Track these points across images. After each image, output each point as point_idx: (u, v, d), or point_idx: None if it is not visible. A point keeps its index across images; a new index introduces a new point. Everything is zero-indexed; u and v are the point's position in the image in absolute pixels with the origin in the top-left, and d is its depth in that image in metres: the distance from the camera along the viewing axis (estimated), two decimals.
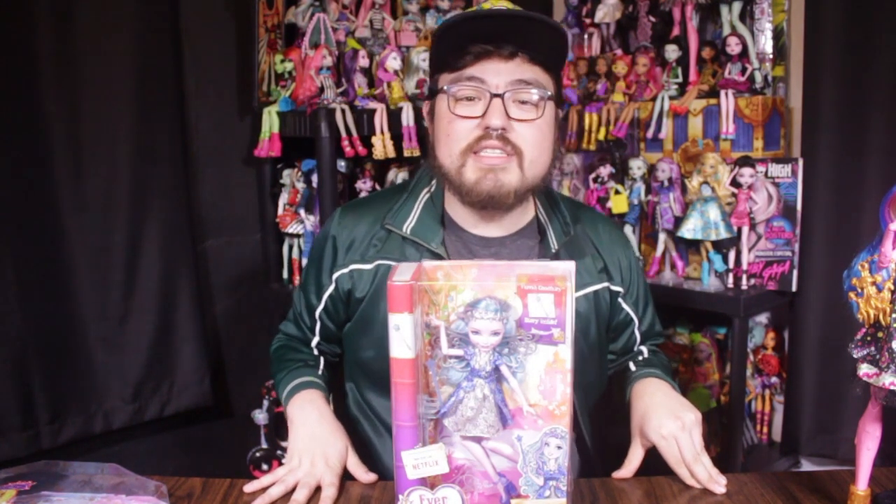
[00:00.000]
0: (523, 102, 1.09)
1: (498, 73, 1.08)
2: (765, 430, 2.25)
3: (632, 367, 1.29)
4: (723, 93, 2.03)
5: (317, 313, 1.26)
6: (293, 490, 1.03)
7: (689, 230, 2.02)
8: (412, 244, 1.18)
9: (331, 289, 1.23)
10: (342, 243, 1.22)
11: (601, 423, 1.30)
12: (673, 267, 2.15)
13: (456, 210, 1.20)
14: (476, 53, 1.08)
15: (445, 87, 1.11)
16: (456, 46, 1.10)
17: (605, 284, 1.25)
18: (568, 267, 0.85)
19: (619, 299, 1.27)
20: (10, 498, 0.94)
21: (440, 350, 0.85)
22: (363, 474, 1.11)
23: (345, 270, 1.21)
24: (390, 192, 1.28)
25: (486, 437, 0.87)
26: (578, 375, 1.20)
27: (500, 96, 1.07)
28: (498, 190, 1.10)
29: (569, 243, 1.21)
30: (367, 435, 1.25)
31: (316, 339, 1.30)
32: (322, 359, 1.30)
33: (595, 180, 2.24)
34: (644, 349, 1.33)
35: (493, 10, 1.08)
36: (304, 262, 2.12)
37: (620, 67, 2.25)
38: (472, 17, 1.08)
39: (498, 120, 1.07)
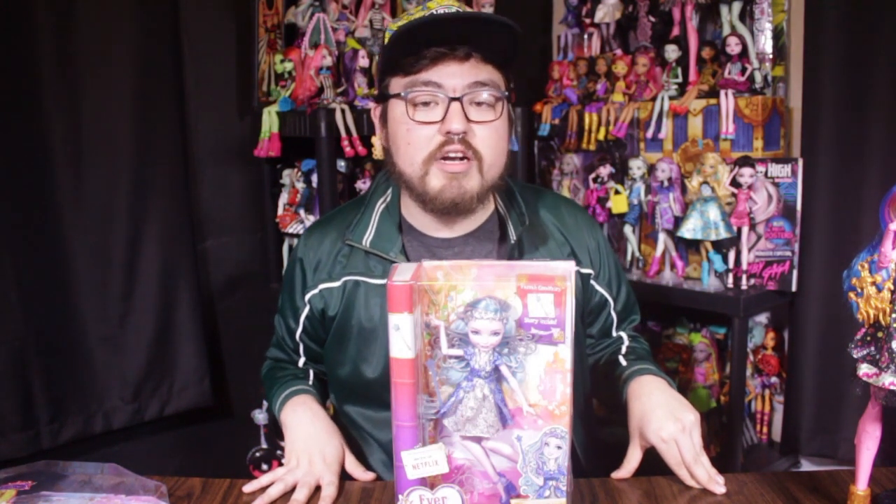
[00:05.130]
0: (479, 104, 1.08)
1: (454, 75, 1.06)
2: (765, 430, 2.25)
3: (622, 361, 1.27)
4: (723, 93, 2.03)
5: (297, 336, 1.27)
6: (293, 490, 1.04)
7: (688, 230, 2.02)
8: (374, 256, 1.18)
9: (306, 310, 1.23)
10: (309, 264, 1.23)
11: (589, 420, 1.30)
12: (673, 267, 2.15)
13: (414, 216, 1.20)
14: (431, 57, 1.06)
15: (402, 93, 1.09)
16: (410, 50, 1.08)
17: (575, 269, 1.23)
18: (568, 267, 0.85)
19: (592, 281, 1.27)
20: (10, 498, 0.95)
21: (440, 350, 0.85)
22: (361, 473, 1.11)
23: (315, 291, 1.21)
24: (350, 207, 1.28)
25: (486, 437, 0.87)
26: None
27: (459, 100, 1.06)
28: (462, 197, 1.10)
29: (528, 231, 1.21)
30: (354, 441, 1.25)
31: (302, 360, 1.31)
32: (311, 371, 1.31)
33: (595, 180, 2.24)
34: (624, 336, 1.33)
35: (449, 14, 1.05)
36: None
37: (620, 67, 2.25)
38: (428, 22, 1.05)
39: (458, 124, 1.06)
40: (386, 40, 1.11)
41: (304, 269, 1.23)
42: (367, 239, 1.18)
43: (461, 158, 1.08)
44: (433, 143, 1.08)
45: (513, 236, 1.19)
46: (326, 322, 1.22)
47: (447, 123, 1.06)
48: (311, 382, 1.27)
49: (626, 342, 1.32)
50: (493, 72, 1.09)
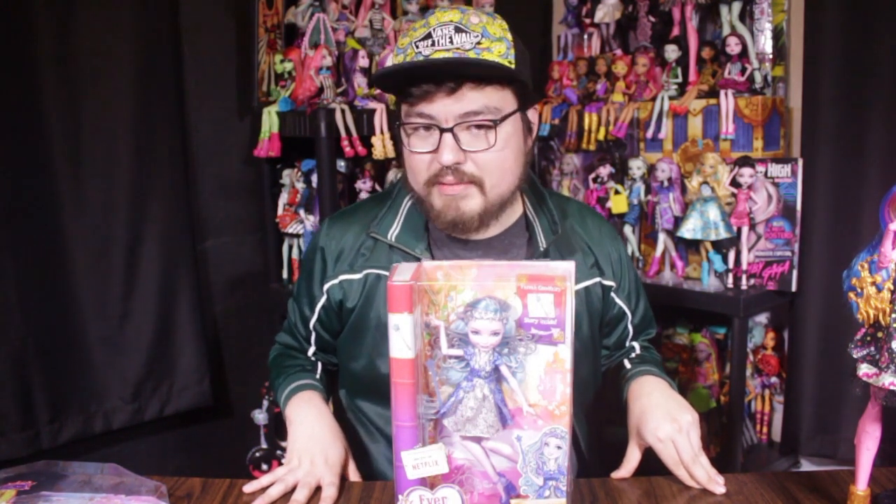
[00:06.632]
0: (478, 127, 1.07)
1: (444, 106, 1.05)
2: (764, 430, 2.25)
3: (626, 364, 1.29)
4: (722, 93, 2.03)
5: (311, 324, 1.26)
6: (293, 490, 1.03)
7: (688, 230, 2.02)
8: (398, 251, 1.17)
9: (323, 300, 1.23)
10: (331, 254, 1.22)
11: (596, 421, 1.30)
12: (673, 267, 2.15)
13: None
14: (419, 94, 1.06)
15: (398, 122, 1.11)
16: (397, 90, 1.09)
17: (597, 280, 1.24)
18: (568, 267, 0.85)
19: (612, 294, 1.27)
20: (9, 498, 0.94)
21: (440, 350, 0.85)
22: (356, 479, 1.12)
23: (335, 281, 1.21)
24: (375, 200, 1.28)
25: (486, 437, 0.87)
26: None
27: (450, 131, 1.06)
28: (461, 217, 1.10)
29: (558, 241, 1.20)
30: (362, 440, 1.25)
31: (312, 349, 1.30)
32: (319, 364, 1.30)
33: (595, 180, 2.24)
34: (636, 345, 1.33)
35: (419, 62, 1.04)
36: None
37: (620, 67, 2.25)
38: (403, 69, 1.05)
39: (449, 156, 1.06)
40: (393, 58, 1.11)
41: (325, 258, 1.23)
42: (393, 233, 1.18)
43: (459, 183, 1.08)
44: (430, 170, 1.09)
45: (542, 243, 1.18)
46: (344, 314, 1.22)
47: (438, 155, 1.07)
48: (318, 376, 1.27)
49: (637, 350, 1.33)
50: (493, 93, 1.06)
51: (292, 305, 1.31)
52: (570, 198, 1.36)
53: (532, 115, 1.16)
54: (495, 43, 1.05)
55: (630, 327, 1.31)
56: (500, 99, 1.07)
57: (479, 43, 1.04)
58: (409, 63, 1.05)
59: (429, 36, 1.04)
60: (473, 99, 1.05)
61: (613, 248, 1.28)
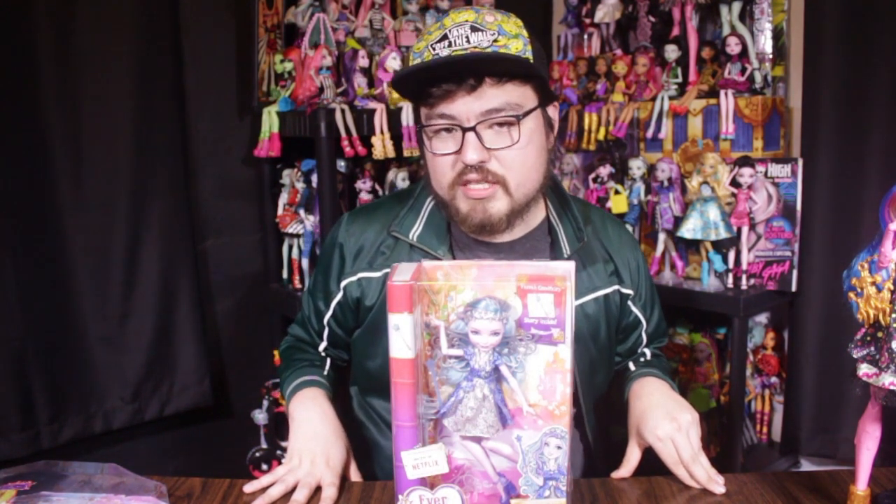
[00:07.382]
0: (501, 125, 1.06)
1: (466, 105, 1.04)
2: (764, 430, 2.25)
3: (631, 366, 1.30)
4: (722, 93, 2.03)
5: (325, 319, 1.26)
6: (293, 490, 1.03)
7: (688, 230, 2.02)
8: (419, 251, 1.17)
9: (339, 296, 1.22)
10: (350, 251, 1.22)
11: (605, 422, 1.31)
12: (673, 267, 2.16)
13: None
14: (440, 95, 1.05)
15: (419, 126, 1.10)
16: (417, 91, 1.08)
17: (616, 287, 1.24)
18: (568, 267, 0.85)
19: (629, 302, 1.27)
20: (9, 498, 0.94)
21: (440, 350, 0.85)
22: (360, 480, 1.11)
23: (353, 278, 1.20)
24: (396, 198, 1.27)
25: (486, 437, 0.87)
26: (587, 377, 1.20)
27: (473, 129, 1.05)
28: (488, 219, 1.10)
29: (581, 249, 1.20)
30: (371, 436, 1.25)
31: (324, 344, 1.29)
32: (329, 360, 1.30)
33: (595, 180, 2.24)
34: (647, 352, 1.33)
35: (441, 59, 1.03)
36: (304, 262, 2.12)
37: (620, 67, 2.25)
38: (423, 68, 1.05)
39: (473, 154, 1.05)
40: (409, 61, 1.10)
41: (344, 254, 1.22)
42: (415, 233, 1.18)
43: (483, 185, 1.08)
44: (454, 171, 1.09)
45: (566, 250, 1.18)
46: (361, 311, 1.21)
47: (462, 155, 1.06)
48: (325, 372, 1.26)
49: (648, 357, 1.33)
50: (513, 89, 1.06)
51: (307, 298, 1.30)
52: (590, 204, 1.36)
53: (552, 111, 1.16)
54: (512, 40, 1.04)
55: (644, 336, 1.32)
56: (520, 95, 1.07)
57: (496, 41, 1.03)
58: (431, 61, 1.04)
59: (445, 37, 1.04)
60: (494, 96, 1.05)
61: (633, 256, 1.28)
